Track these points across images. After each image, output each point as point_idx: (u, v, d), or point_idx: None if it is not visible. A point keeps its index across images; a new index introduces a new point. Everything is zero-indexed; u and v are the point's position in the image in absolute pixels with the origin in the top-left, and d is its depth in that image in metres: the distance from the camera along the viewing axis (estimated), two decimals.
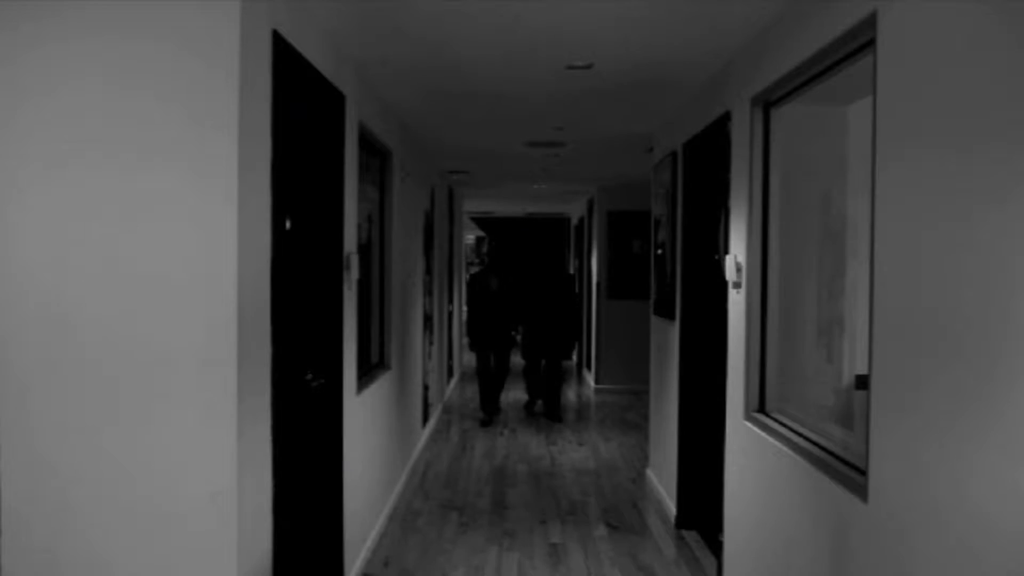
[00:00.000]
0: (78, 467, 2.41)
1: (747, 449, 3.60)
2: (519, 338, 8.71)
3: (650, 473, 6.13)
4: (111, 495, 2.41)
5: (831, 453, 2.81)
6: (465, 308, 9.22)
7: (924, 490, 2.07)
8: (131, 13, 2.37)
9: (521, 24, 3.50)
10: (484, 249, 8.34)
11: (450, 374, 10.08)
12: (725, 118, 3.98)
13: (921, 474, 2.08)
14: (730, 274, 3.81)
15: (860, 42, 2.53)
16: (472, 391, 9.83)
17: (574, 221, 13.83)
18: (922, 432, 2.08)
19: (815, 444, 2.95)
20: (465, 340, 11.13)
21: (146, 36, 2.37)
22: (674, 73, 4.29)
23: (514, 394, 9.77)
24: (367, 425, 4.44)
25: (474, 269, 8.64)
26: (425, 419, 7.34)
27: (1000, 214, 1.75)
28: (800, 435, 3.09)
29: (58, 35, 2.39)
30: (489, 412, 8.34)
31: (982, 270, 1.82)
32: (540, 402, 8.83)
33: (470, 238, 18.34)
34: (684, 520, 5.04)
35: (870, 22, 2.38)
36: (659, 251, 5.69)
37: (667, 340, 5.47)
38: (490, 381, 8.37)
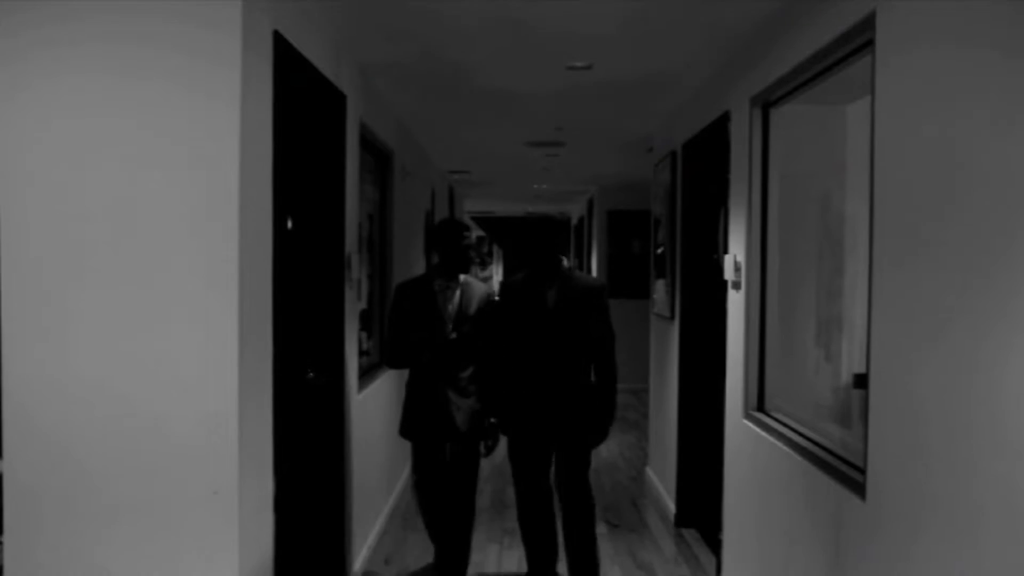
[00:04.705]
0: (83, 463, 2.42)
1: (746, 447, 3.61)
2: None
3: (649, 471, 6.14)
4: (115, 493, 2.42)
5: (830, 451, 2.82)
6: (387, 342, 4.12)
7: (923, 487, 2.08)
8: (132, 14, 2.38)
9: (521, 25, 3.51)
10: (441, 235, 3.98)
11: None
12: (724, 118, 3.99)
13: (920, 471, 2.09)
14: (729, 273, 3.83)
15: (859, 42, 2.54)
16: None
17: (574, 221, 13.84)
18: (922, 429, 2.09)
19: (814, 442, 2.96)
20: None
21: (147, 37, 2.38)
22: (673, 73, 4.31)
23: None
24: (369, 423, 4.45)
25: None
26: None
27: (1001, 213, 1.76)
28: (799, 433, 3.10)
29: (63, 36, 2.39)
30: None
31: (980, 263, 1.83)
32: None
33: (471, 238, 18.38)
34: (683, 518, 5.05)
35: (869, 22, 2.39)
36: (659, 250, 5.70)
37: (667, 339, 5.48)
38: (440, 512, 3.94)
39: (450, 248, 3.90)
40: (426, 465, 3.93)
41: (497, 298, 3.96)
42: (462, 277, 3.92)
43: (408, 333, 3.83)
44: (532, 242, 3.83)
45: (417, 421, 3.87)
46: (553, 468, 3.92)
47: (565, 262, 3.85)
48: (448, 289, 3.88)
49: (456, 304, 3.85)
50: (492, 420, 3.87)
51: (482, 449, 3.90)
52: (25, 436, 2.43)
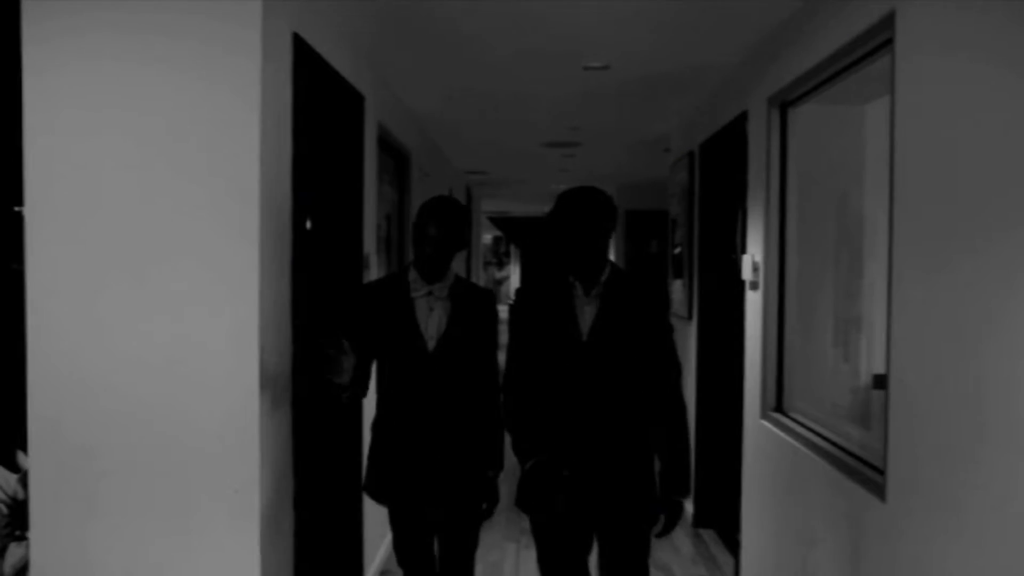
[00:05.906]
0: (104, 462, 2.44)
1: (764, 448, 3.60)
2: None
3: None
4: (136, 491, 2.44)
5: (849, 452, 2.81)
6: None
7: (944, 489, 2.07)
8: (154, 16, 2.40)
9: (538, 26, 3.52)
10: (423, 221, 2.64)
11: None
12: (742, 118, 3.98)
13: (941, 472, 2.08)
14: (747, 274, 3.82)
15: (878, 41, 2.53)
16: None
17: None
18: (942, 430, 2.08)
19: (832, 443, 2.95)
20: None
21: (168, 38, 2.40)
22: (690, 73, 4.30)
23: None
24: None
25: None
26: None
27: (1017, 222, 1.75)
28: (817, 434, 3.09)
29: (80, 31, 2.42)
30: None
31: (1002, 265, 1.83)
32: None
33: (488, 238, 18.38)
34: (701, 519, 5.04)
35: (888, 21, 2.38)
36: (676, 250, 5.69)
37: (684, 339, 5.47)
38: None
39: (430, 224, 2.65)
40: (410, 539, 2.85)
41: (511, 300, 2.95)
42: (453, 277, 2.75)
43: (366, 354, 2.74)
44: (569, 229, 2.46)
45: (387, 477, 2.78)
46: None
47: (612, 259, 2.52)
48: (431, 295, 2.71)
49: (443, 317, 2.70)
50: (491, 473, 2.92)
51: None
52: (50, 434, 2.46)
